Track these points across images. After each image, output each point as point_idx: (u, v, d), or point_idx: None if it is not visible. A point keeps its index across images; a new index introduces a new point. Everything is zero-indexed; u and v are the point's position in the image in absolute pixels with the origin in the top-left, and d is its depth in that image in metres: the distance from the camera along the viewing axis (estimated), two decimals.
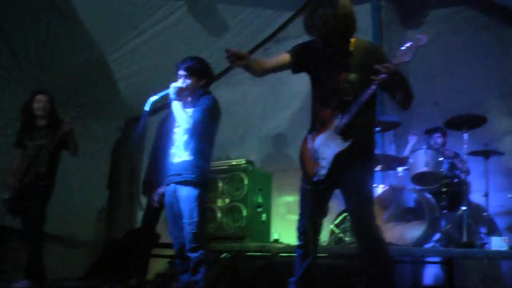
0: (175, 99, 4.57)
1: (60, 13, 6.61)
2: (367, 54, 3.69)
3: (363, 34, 7.61)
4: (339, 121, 3.65)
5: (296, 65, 3.88)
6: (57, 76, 7.09)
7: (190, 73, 4.67)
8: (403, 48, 3.56)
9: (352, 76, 3.64)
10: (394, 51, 7.50)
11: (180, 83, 4.62)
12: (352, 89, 3.63)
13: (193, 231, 4.47)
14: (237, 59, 3.57)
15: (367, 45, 3.79)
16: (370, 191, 3.72)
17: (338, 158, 3.62)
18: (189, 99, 4.72)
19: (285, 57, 3.85)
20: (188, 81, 4.65)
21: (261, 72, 3.81)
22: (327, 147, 3.68)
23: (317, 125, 3.81)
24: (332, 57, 3.74)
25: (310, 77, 3.93)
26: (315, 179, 3.69)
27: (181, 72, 4.68)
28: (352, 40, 3.72)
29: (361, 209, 3.66)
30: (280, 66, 3.87)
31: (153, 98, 4.59)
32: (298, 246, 3.92)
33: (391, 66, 3.50)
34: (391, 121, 6.56)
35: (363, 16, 7.84)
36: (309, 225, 3.83)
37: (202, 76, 4.74)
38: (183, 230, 4.57)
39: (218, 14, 7.33)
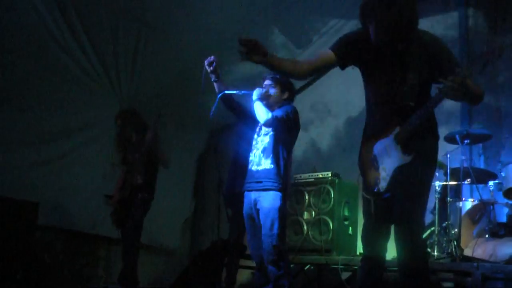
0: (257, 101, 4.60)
1: (149, 27, 6.80)
2: (429, 52, 3.28)
3: (450, 43, 7.56)
4: (400, 130, 3.35)
5: (342, 62, 3.48)
6: (146, 88, 7.30)
7: (276, 83, 4.79)
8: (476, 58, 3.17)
9: (412, 77, 3.26)
10: (484, 60, 7.41)
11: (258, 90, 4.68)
12: (412, 93, 3.28)
13: (273, 243, 4.47)
14: (253, 53, 3.22)
15: (430, 41, 3.33)
16: (424, 201, 3.43)
17: (399, 171, 3.36)
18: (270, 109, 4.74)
19: (329, 55, 3.44)
20: (273, 90, 4.75)
21: (302, 74, 3.50)
22: (388, 157, 3.42)
23: (373, 129, 3.56)
24: (388, 54, 3.35)
25: (362, 73, 3.59)
26: (375, 190, 3.46)
27: (267, 82, 4.80)
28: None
29: (411, 217, 3.36)
30: (325, 66, 3.52)
31: (229, 92, 4.70)
32: (362, 258, 3.70)
33: (457, 79, 3.01)
34: (481, 134, 6.39)
35: (449, 25, 7.74)
36: (371, 233, 3.60)
37: (286, 89, 4.84)
38: (263, 241, 4.59)
39: (303, 27, 7.37)
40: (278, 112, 4.63)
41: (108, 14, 6.47)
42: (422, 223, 3.49)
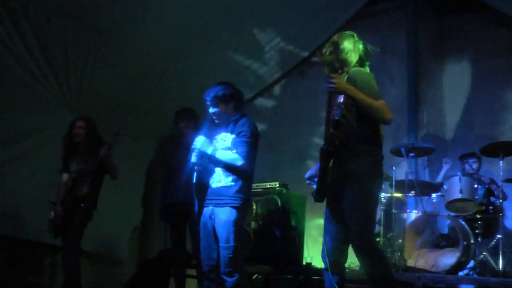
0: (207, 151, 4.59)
1: (100, 34, 6.73)
2: (349, 79, 3.87)
3: (399, 58, 7.77)
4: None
5: None
6: (96, 96, 7.22)
7: (216, 102, 4.69)
8: None
9: (341, 99, 3.78)
10: (431, 73, 7.64)
11: (201, 138, 4.62)
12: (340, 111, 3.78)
13: (229, 255, 4.44)
14: None
15: (352, 71, 3.95)
16: (366, 210, 3.78)
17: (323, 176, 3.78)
18: (224, 125, 4.78)
19: None
20: (216, 108, 4.70)
21: None
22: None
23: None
24: None
25: None
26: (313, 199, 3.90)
27: (208, 103, 4.72)
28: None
29: (357, 229, 3.72)
30: None
31: (194, 159, 4.58)
32: (323, 269, 3.99)
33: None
34: (425, 147, 6.56)
35: (398, 40, 7.93)
36: (329, 245, 3.91)
37: (229, 100, 4.73)
38: (215, 252, 4.57)
39: (255, 37, 7.44)
40: (240, 150, 4.54)
41: (59, 22, 6.38)
42: (364, 229, 3.75)
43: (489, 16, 7.43)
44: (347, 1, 7.87)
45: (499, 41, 7.45)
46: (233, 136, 4.65)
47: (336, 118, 3.75)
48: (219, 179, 4.63)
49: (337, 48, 3.94)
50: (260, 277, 6.83)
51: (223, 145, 4.67)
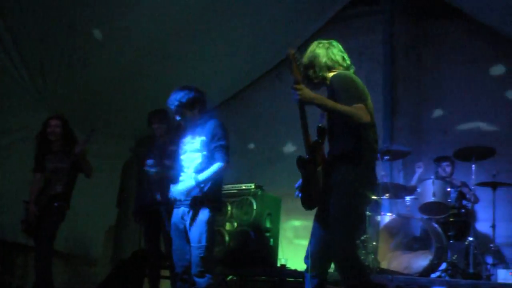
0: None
1: (76, 33, 6.68)
2: (330, 86, 3.80)
3: (375, 62, 7.83)
4: None
5: None
6: (72, 95, 7.17)
7: (181, 109, 4.69)
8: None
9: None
10: (407, 78, 7.72)
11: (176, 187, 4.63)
12: (326, 117, 3.85)
13: (201, 255, 4.44)
14: None
15: (331, 77, 3.84)
16: (347, 223, 3.63)
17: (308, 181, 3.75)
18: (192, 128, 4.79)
19: None
20: (179, 117, 4.72)
21: None
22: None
23: None
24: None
25: None
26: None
27: (174, 111, 4.73)
28: (330, 74, 3.86)
29: (336, 241, 3.62)
30: None
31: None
32: (305, 270, 3.90)
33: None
34: (400, 150, 6.62)
35: (375, 44, 8.00)
36: (313, 247, 3.82)
37: (194, 105, 4.72)
38: (188, 253, 4.57)
39: (230, 39, 7.45)
40: (221, 155, 4.56)
41: (35, 20, 6.32)
42: (343, 242, 3.62)
43: (464, 23, 7.52)
44: (324, 4, 7.92)
45: (474, 47, 7.54)
46: (202, 138, 4.65)
47: (320, 125, 3.75)
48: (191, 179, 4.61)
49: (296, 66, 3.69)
50: (234, 278, 6.83)
51: (192, 148, 4.67)
